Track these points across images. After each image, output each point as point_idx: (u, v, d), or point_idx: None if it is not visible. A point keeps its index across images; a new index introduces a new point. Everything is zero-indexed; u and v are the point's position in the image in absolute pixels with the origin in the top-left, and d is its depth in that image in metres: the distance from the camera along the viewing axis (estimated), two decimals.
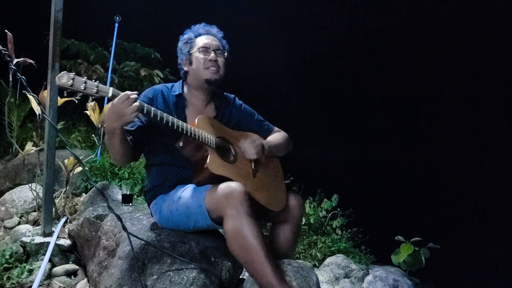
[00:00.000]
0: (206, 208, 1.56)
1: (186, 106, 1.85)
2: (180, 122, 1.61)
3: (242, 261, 1.49)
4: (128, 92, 1.49)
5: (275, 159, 1.99)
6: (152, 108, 1.55)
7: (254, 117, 2.04)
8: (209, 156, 1.62)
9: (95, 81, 1.46)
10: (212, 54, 1.81)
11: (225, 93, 2.01)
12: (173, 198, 1.70)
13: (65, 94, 1.41)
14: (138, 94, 1.57)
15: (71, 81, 1.38)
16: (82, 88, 1.40)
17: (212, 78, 1.81)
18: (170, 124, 1.58)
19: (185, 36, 1.89)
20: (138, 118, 1.69)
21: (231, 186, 1.51)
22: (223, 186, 1.53)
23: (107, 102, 3.05)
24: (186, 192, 1.68)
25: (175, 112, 1.78)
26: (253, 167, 1.79)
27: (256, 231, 1.45)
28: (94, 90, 1.43)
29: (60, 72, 2.22)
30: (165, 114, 1.58)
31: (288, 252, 1.85)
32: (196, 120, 1.71)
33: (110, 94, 1.48)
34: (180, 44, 1.90)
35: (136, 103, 1.48)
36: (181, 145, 1.67)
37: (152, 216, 1.87)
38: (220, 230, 2.01)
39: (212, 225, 1.62)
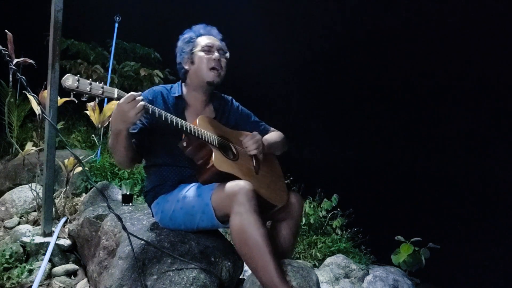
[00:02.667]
0: (213, 206, 1.57)
1: (186, 107, 1.86)
2: (184, 121, 1.63)
3: (246, 258, 1.50)
4: (133, 93, 1.50)
5: (273, 157, 2.02)
6: (156, 109, 1.57)
7: (250, 118, 2.06)
8: (213, 153, 1.64)
9: (99, 83, 1.47)
10: (216, 54, 1.82)
11: (222, 95, 2.03)
12: (177, 198, 1.71)
13: (72, 96, 1.42)
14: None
15: (77, 83, 1.39)
16: (88, 90, 1.41)
17: (214, 80, 1.83)
18: (174, 123, 1.59)
19: (186, 36, 1.90)
20: (140, 120, 1.69)
21: (239, 184, 1.53)
22: (231, 184, 1.54)
23: (107, 103, 3.05)
24: (191, 191, 1.68)
25: (174, 113, 1.79)
26: (254, 165, 1.82)
27: (261, 228, 1.47)
28: (100, 92, 1.45)
29: (60, 72, 2.25)
30: (168, 114, 1.59)
31: (288, 250, 1.86)
32: (198, 119, 1.73)
33: (115, 95, 1.49)
34: (180, 43, 1.91)
35: (142, 103, 1.49)
36: (184, 144, 1.68)
37: (153, 216, 1.87)
38: (221, 230, 2.01)
39: (217, 224, 1.63)
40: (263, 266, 1.44)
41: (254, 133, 1.85)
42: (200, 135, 1.65)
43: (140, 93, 1.54)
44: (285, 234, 1.84)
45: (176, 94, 1.85)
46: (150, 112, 1.54)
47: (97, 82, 1.46)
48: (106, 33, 4.76)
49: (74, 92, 1.40)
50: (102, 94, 1.45)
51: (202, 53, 1.82)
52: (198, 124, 1.71)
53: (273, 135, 2.04)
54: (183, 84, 1.92)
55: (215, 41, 1.86)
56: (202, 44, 1.84)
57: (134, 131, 1.69)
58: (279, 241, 1.83)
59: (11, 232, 2.48)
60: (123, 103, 1.47)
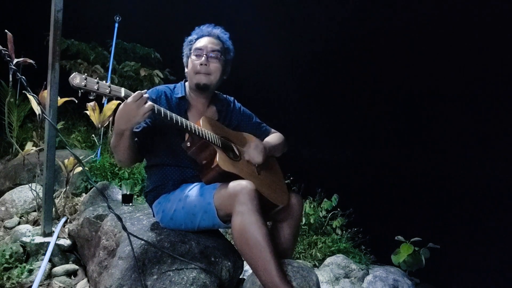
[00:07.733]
0: (215, 205, 1.57)
1: (188, 108, 1.86)
2: (188, 121, 1.64)
3: (247, 257, 1.50)
4: (141, 92, 1.49)
5: (273, 158, 2.03)
6: (162, 108, 1.57)
7: (252, 119, 2.07)
8: (217, 154, 1.65)
9: (106, 82, 1.47)
10: (203, 58, 1.79)
11: (224, 95, 2.03)
12: (179, 197, 1.71)
13: (79, 94, 1.42)
14: None
15: (84, 81, 1.39)
16: (96, 89, 1.41)
17: (201, 82, 1.80)
18: (179, 123, 1.59)
19: (189, 38, 1.90)
20: (144, 120, 1.69)
21: (241, 184, 1.53)
22: (233, 184, 1.55)
23: (107, 103, 3.05)
24: (193, 190, 1.69)
25: (177, 114, 1.79)
26: (256, 165, 1.83)
27: (263, 228, 1.47)
28: (107, 90, 1.45)
29: (60, 72, 2.25)
30: (173, 114, 1.59)
31: (288, 251, 1.86)
32: (201, 120, 1.75)
33: (123, 94, 1.49)
34: (184, 45, 1.92)
35: (150, 103, 1.49)
36: (188, 145, 1.69)
37: (153, 216, 1.87)
38: (221, 230, 2.02)
39: (218, 223, 1.63)
40: (263, 266, 1.44)
41: (256, 141, 1.85)
42: (204, 135, 1.66)
43: (146, 90, 1.54)
44: (285, 234, 1.84)
45: (179, 95, 1.85)
46: (156, 112, 1.53)
47: (104, 81, 1.46)
48: (106, 33, 4.76)
49: (82, 91, 1.40)
50: (109, 93, 1.45)
51: (193, 57, 1.83)
52: (201, 124, 1.72)
53: (274, 138, 2.04)
54: (185, 84, 1.93)
55: (208, 43, 1.82)
56: (194, 48, 1.84)
57: (137, 130, 1.69)
58: (279, 242, 1.84)
59: (11, 232, 2.48)
60: (131, 102, 1.46)
